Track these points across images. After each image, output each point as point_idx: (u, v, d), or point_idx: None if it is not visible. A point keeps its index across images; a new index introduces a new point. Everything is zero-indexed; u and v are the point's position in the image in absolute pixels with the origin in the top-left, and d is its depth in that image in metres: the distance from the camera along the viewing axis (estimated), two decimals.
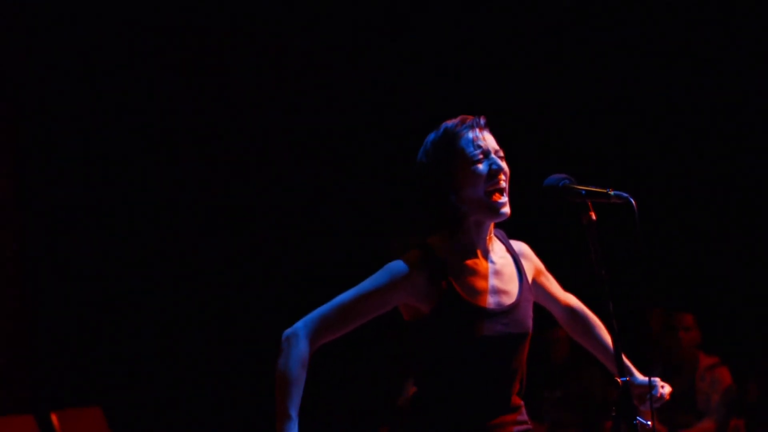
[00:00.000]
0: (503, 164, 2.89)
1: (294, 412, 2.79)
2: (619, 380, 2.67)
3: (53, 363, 8.06)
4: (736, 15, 7.71)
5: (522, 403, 2.96)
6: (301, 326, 2.84)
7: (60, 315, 8.12)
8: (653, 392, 2.95)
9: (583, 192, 2.77)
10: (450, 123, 2.92)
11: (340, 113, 8.59)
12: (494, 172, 2.86)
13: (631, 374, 3.04)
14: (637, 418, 2.66)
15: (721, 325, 7.43)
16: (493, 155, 2.88)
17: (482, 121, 2.92)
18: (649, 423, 2.68)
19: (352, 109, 8.57)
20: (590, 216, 2.75)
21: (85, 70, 8.10)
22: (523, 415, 2.95)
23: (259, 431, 7.96)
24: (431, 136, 2.93)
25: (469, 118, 2.92)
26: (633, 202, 2.71)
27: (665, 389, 2.99)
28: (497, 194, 2.86)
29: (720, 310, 7.56)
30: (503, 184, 2.87)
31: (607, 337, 3.10)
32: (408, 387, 6.75)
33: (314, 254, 8.37)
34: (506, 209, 2.87)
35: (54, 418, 7.14)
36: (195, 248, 8.42)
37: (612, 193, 2.75)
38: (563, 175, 2.83)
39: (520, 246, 3.06)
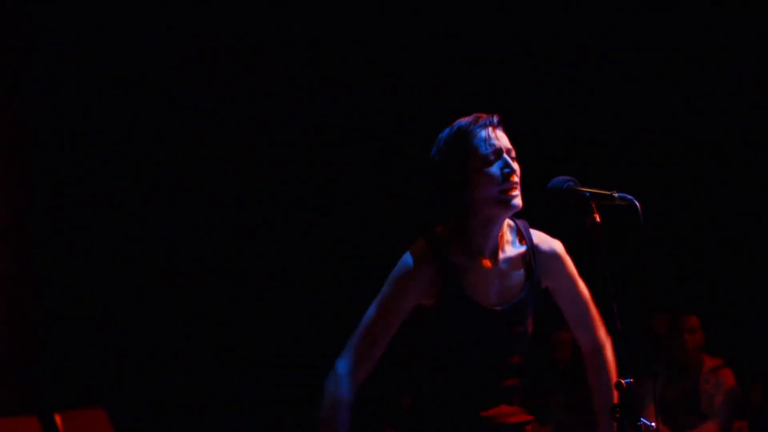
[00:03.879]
0: (515, 165, 2.90)
1: None
2: (623, 382, 2.67)
3: (57, 364, 8.06)
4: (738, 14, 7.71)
5: (520, 409, 2.96)
6: (341, 367, 2.88)
7: (63, 315, 8.13)
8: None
9: (588, 194, 2.78)
10: (464, 121, 2.92)
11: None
12: (506, 175, 2.87)
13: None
14: (641, 419, 2.67)
15: (725, 327, 7.42)
16: (505, 155, 2.89)
17: (495, 119, 2.92)
18: (653, 424, 2.69)
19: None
20: (594, 218, 2.75)
21: (85, 72, 8.11)
22: (521, 414, 2.95)
23: (264, 431, 7.99)
24: (444, 133, 2.93)
25: (483, 117, 2.92)
26: (637, 204, 2.71)
27: None
28: (510, 190, 2.88)
29: (724, 312, 7.55)
30: (516, 184, 2.89)
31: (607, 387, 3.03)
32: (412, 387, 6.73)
33: (317, 257, 8.36)
34: (518, 201, 2.89)
35: (58, 419, 7.14)
36: (199, 248, 8.42)
37: (616, 195, 2.75)
38: (567, 177, 2.83)
39: (551, 245, 3.03)
